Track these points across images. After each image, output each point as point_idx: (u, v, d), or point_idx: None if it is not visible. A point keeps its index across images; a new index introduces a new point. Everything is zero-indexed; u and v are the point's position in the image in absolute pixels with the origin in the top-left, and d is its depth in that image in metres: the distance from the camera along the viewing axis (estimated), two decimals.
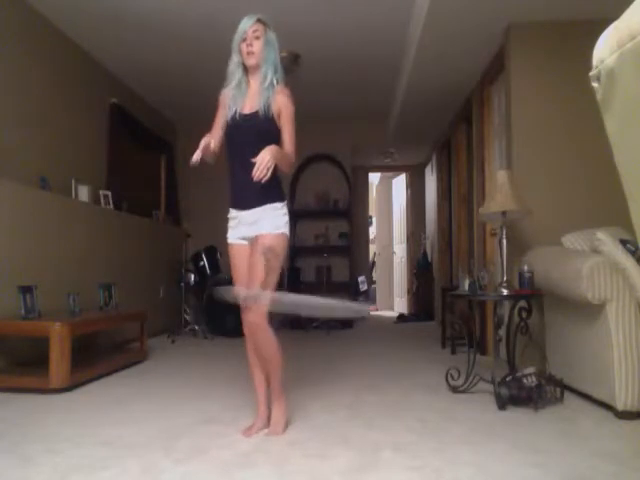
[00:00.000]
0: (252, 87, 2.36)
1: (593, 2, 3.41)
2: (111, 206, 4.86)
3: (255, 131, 2.28)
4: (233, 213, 2.39)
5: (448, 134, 6.36)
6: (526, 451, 2.02)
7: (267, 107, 2.28)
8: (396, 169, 8.98)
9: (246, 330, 2.33)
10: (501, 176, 3.22)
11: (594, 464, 1.87)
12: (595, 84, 0.86)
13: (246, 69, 2.37)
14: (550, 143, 3.70)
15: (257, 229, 2.27)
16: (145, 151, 6.05)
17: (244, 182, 2.25)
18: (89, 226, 4.42)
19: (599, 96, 0.85)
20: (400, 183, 9.31)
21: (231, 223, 2.40)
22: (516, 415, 2.55)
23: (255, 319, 2.24)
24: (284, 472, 1.83)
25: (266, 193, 2.28)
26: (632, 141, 0.81)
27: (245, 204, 2.32)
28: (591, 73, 0.86)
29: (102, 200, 4.77)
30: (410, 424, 2.39)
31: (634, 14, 0.73)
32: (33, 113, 4.00)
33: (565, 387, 2.77)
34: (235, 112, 2.34)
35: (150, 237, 5.73)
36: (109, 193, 4.89)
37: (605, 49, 0.80)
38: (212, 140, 2.32)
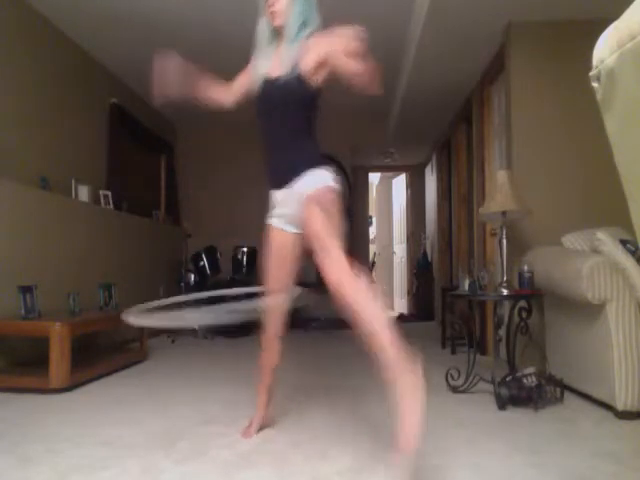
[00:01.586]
0: (280, 51, 2.04)
1: (593, 2, 3.41)
2: (111, 206, 4.86)
3: (283, 96, 1.96)
4: (272, 194, 2.12)
5: (448, 134, 6.37)
6: (526, 451, 2.02)
7: (295, 66, 1.93)
8: (396, 169, 8.98)
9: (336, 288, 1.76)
10: (501, 176, 3.22)
11: (594, 464, 1.87)
12: (595, 84, 0.86)
13: (278, 32, 2.05)
14: (550, 143, 3.70)
15: (299, 199, 1.95)
16: (145, 151, 6.05)
17: (276, 156, 2.03)
18: (89, 226, 4.42)
19: (599, 96, 0.85)
20: (400, 183, 9.31)
21: (273, 204, 2.14)
22: (516, 415, 2.55)
23: (335, 276, 1.75)
24: (284, 472, 1.83)
25: (301, 163, 1.98)
26: (632, 141, 0.81)
27: (281, 180, 2.03)
28: (591, 73, 0.86)
29: (102, 200, 4.77)
30: None
31: (634, 14, 0.73)
32: (33, 113, 4.00)
33: (565, 387, 2.77)
34: (261, 77, 2.04)
35: (150, 237, 5.73)
36: (109, 193, 4.89)
37: (605, 49, 0.80)
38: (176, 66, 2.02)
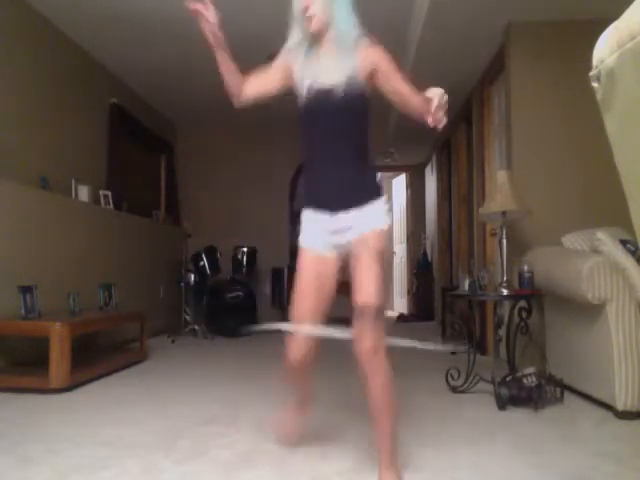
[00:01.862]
0: (325, 57, 1.84)
1: (593, 2, 3.41)
2: (111, 206, 4.86)
3: (340, 108, 1.77)
4: (312, 215, 1.86)
5: (448, 134, 6.36)
6: (526, 451, 2.02)
7: (353, 76, 1.77)
8: (396, 169, 8.97)
9: (361, 359, 1.80)
10: (501, 176, 3.22)
11: (594, 464, 1.87)
12: (595, 84, 0.85)
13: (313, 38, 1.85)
14: (550, 143, 3.70)
15: (355, 232, 1.78)
16: (145, 151, 6.05)
17: (330, 176, 1.80)
18: (89, 226, 4.42)
19: (599, 96, 0.85)
20: (400, 183, 9.31)
21: (308, 227, 1.87)
22: (516, 415, 2.55)
23: (372, 345, 1.72)
24: (284, 472, 1.83)
25: (363, 189, 1.80)
26: (632, 141, 0.81)
27: (334, 205, 1.80)
28: (591, 73, 0.86)
29: (102, 200, 4.77)
30: (410, 424, 2.38)
31: (634, 14, 0.73)
32: (33, 113, 4.00)
33: (565, 387, 2.77)
34: (310, 85, 1.81)
35: (150, 237, 5.73)
36: (109, 193, 4.89)
37: (605, 49, 0.80)
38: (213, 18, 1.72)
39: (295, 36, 1.87)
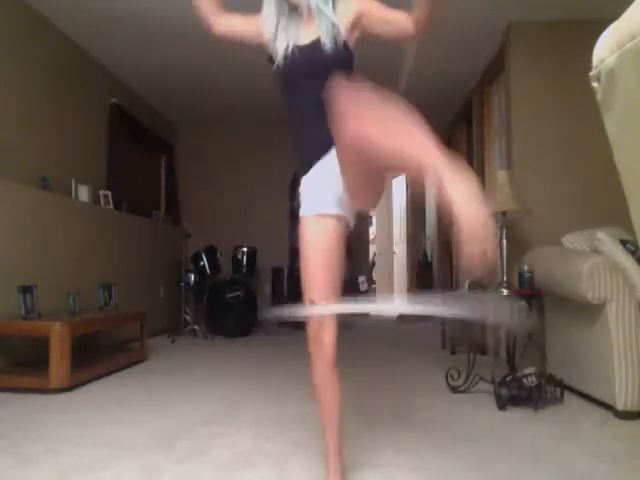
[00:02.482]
0: (305, 24, 1.74)
1: (593, 2, 3.41)
2: (111, 206, 4.86)
3: (321, 66, 1.65)
4: (305, 178, 1.73)
5: (448, 134, 6.37)
6: (526, 451, 2.02)
7: (335, 31, 1.67)
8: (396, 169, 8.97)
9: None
10: (501, 176, 3.23)
11: (594, 464, 1.87)
12: (595, 84, 0.86)
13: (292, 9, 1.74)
14: (550, 143, 3.71)
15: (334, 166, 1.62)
16: (145, 151, 6.05)
17: (316, 135, 1.66)
18: (89, 226, 4.42)
19: (599, 96, 0.85)
20: (400, 183, 9.31)
21: (305, 192, 1.72)
22: (516, 415, 2.55)
23: (349, 131, 1.42)
24: (284, 472, 1.83)
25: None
26: (632, 141, 0.81)
27: (317, 153, 1.68)
28: (591, 73, 0.86)
29: (102, 200, 4.77)
30: (410, 424, 2.39)
31: (634, 14, 0.73)
32: (33, 113, 3.99)
33: (565, 387, 2.77)
34: (287, 46, 1.71)
35: (150, 237, 5.73)
36: (109, 193, 4.89)
37: (605, 49, 0.80)
38: None
39: (268, 8, 1.75)
